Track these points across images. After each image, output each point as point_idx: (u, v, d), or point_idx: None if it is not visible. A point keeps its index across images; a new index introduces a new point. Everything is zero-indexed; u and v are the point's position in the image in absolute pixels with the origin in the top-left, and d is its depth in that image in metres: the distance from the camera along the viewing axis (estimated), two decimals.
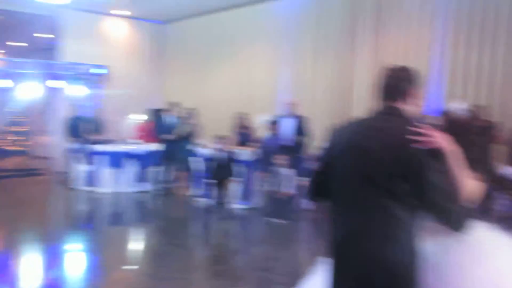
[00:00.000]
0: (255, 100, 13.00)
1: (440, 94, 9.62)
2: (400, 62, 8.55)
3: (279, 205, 7.57)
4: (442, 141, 2.11)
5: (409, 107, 2.27)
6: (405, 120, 2.21)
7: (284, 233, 6.88)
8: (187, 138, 9.61)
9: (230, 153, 7.83)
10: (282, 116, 8.32)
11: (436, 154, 2.10)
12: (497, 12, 8.82)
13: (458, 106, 2.44)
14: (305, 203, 8.44)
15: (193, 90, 14.93)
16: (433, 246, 2.28)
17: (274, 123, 8.13)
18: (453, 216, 2.12)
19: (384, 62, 10.31)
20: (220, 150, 7.82)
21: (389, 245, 2.11)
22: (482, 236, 2.33)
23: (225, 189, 7.85)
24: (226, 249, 6.17)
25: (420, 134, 2.08)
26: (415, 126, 2.11)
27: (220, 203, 7.78)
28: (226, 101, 13.77)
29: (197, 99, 14.64)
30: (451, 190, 2.12)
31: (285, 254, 5.99)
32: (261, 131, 8.49)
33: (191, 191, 9.90)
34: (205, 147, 9.34)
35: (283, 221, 7.46)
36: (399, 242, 2.12)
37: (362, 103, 10.66)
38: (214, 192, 8.09)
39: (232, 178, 7.91)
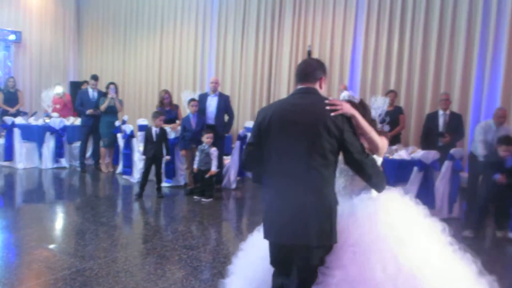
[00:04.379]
0: (180, 77, 12.91)
1: (357, 77, 10.07)
2: (318, 45, 8.90)
3: (203, 184, 7.61)
4: (349, 108, 2.76)
5: (322, 88, 2.91)
6: (320, 96, 2.85)
7: (208, 211, 6.95)
8: (109, 113, 9.35)
9: (162, 130, 7.73)
10: (206, 94, 8.31)
11: (347, 118, 2.74)
12: (415, 1, 9.31)
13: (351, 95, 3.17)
14: (229, 182, 8.57)
15: (114, 64, 14.50)
16: (347, 201, 2.98)
17: (198, 101, 8.10)
18: (370, 169, 2.76)
19: (305, 45, 10.72)
20: (152, 126, 7.68)
21: (317, 197, 2.69)
22: (390, 195, 3.00)
23: (155, 166, 7.75)
24: (151, 227, 6.14)
25: (333, 105, 2.72)
26: (328, 100, 2.77)
27: (146, 181, 7.67)
28: (150, 77, 13.54)
29: (119, 73, 14.27)
30: (363, 146, 2.78)
31: (210, 232, 6.08)
32: (186, 109, 8.43)
33: (115, 168, 9.71)
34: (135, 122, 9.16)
35: (208, 199, 7.53)
36: (324, 194, 2.71)
37: (284, 83, 10.92)
38: (142, 169, 7.96)
39: (163, 156, 7.80)
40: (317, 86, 2.88)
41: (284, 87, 10.93)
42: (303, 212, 2.68)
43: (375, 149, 2.91)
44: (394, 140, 8.05)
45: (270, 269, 3.01)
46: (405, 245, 2.80)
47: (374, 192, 2.99)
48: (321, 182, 2.70)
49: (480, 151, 6.90)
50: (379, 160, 3.03)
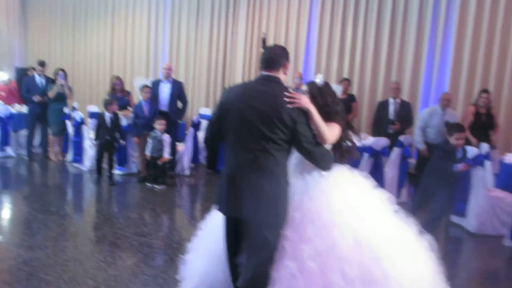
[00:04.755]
0: (133, 63, 12.68)
1: (311, 65, 10.18)
2: (273, 32, 8.89)
3: (156, 171, 7.52)
4: (307, 103, 2.97)
5: (282, 76, 3.06)
6: (281, 86, 3.00)
7: (161, 198, 6.88)
8: (58, 100, 9.06)
9: (116, 116, 7.57)
10: (159, 81, 8.17)
11: (303, 111, 2.93)
12: None
13: (319, 79, 3.30)
14: (183, 168, 8.51)
15: (63, 49, 14.09)
16: (300, 179, 3.22)
17: (151, 88, 7.97)
18: (319, 157, 3.03)
19: (260, 32, 10.72)
20: (105, 113, 7.52)
21: (269, 177, 2.92)
22: (339, 173, 3.25)
23: (107, 154, 7.61)
24: (102, 215, 6.02)
25: (292, 97, 2.90)
26: (288, 91, 2.93)
27: (101, 166, 7.53)
28: (102, 63, 13.23)
29: (68, 59, 13.87)
30: (315, 137, 3.00)
31: (163, 218, 6.03)
32: (138, 96, 8.29)
33: (65, 156, 9.45)
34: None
35: (161, 186, 7.45)
36: (275, 175, 2.94)
37: (238, 70, 10.91)
38: (95, 156, 7.79)
39: (117, 143, 7.66)
40: (280, 73, 3.06)
41: (238, 74, 10.92)
42: (254, 189, 2.91)
43: (322, 141, 3.10)
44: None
45: (220, 241, 3.32)
46: (359, 216, 3.08)
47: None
48: (273, 163, 2.92)
49: (417, 138, 7.33)
50: (328, 147, 3.25)
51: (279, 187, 2.97)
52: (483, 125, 6.97)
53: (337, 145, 3.35)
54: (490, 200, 5.88)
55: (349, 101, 8.49)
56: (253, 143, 2.93)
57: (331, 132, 3.16)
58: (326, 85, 3.37)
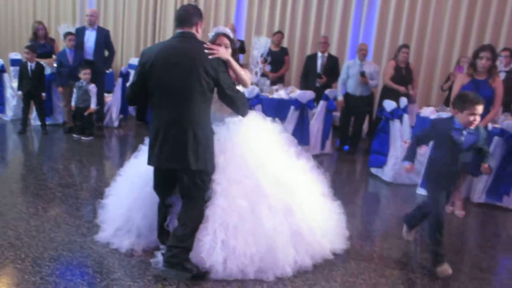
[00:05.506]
0: (58, 9, 12.05)
1: (243, 17, 10.14)
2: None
3: (83, 122, 7.37)
4: (224, 53, 3.25)
5: (199, 33, 3.27)
6: (198, 41, 3.22)
7: (88, 149, 6.80)
8: None
9: (39, 65, 7.28)
10: (84, 28, 7.83)
11: (222, 61, 3.19)
12: None
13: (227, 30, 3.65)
14: (111, 120, 8.38)
15: None
16: (221, 126, 3.53)
17: (75, 35, 7.67)
18: (239, 102, 3.32)
19: None
20: (27, 62, 7.22)
21: (196, 126, 3.13)
22: (253, 119, 3.68)
23: (34, 103, 7.38)
24: (25, 166, 5.89)
25: (210, 49, 3.14)
26: (206, 44, 3.18)
27: (26, 117, 7.31)
28: (24, 8, 12.48)
29: None
30: (234, 84, 3.31)
31: (89, 170, 5.98)
32: (62, 43, 7.97)
33: None
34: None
35: (88, 138, 7.34)
36: (201, 126, 3.17)
37: (169, 19, 10.68)
38: (16, 106, 7.52)
39: (42, 93, 7.43)
40: (193, 30, 3.23)
41: (169, 23, 10.68)
42: (182, 141, 3.12)
43: (244, 85, 3.49)
44: (279, 80, 8.33)
45: (145, 187, 3.60)
46: (274, 156, 3.62)
47: (239, 116, 3.59)
48: (199, 115, 3.15)
49: (338, 89, 7.68)
50: (245, 92, 3.79)
51: (206, 136, 3.22)
52: (402, 78, 7.30)
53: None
54: None
55: (282, 54, 8.59)
56: (178, 98, 3.11)
57: (246, 74, 3.49)
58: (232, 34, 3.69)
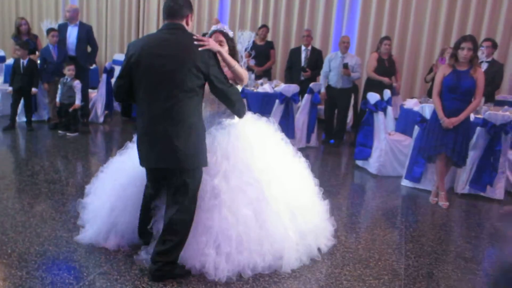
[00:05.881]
0: (40, 5, 11.91)
1: (226, 11, 10.12)
2: None
3: (68, 118, 7.34)
4: (215, 45, 3.05)
5: (189, 25, 3.10)
6: (187, 33, 3.04)
7: (74, 145, 6.77)
8: None
9: (31, 62, 7.25)
10: (66, 24, 7.76)
11: (213, 53, 3.01)
12: None
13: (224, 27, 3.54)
14: (96, 116, 8.35)
15: None
16: (220, 129, 3.42)
17: (58, 31, 7.62)
18: (234, 98, 3.12)
19: None
20: (20, 58, 7.21)
21: (183, 126, 2.95)
22: (251, 120, 3.63)
23: (24, 99, 7.36)
24: (10, 162, 5.86)
25: (200, 40, 2.96)
26: (195, 36, 3.00)
27: (15, 113, 7.29)
28: (6, 4, 12.32)
29: None
30: (227, 78, 3.09)
31: (75, 166, 5.97)
32: (46, 40, 7.91)
33: None
34: None
35: (73, 134, 7.31)
36: (190, 123, 2.97)
37: (153, 14, 10.64)
38: (4, 102, 7.49)
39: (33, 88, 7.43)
40: (183, 23, 3.05)
41: (153, 18, 10.65)
42: (170, 139, 2.95)
43: (239, 79, 3.28)
44: (265, 74, 8.36)
45: (129, 185, 3.50)
46: (276, 160, 3.55)
47: (236, 118, 3.45)
48: (187, 112, 2.95)
49: (320, 82, 7.75)
50: (240, 88, 3.43)
51: (197, 133, 3.03)
52: (385, 70, 7.36)
53: None
54: (390, 143, 6.28)
55: (268, 48, 8.62)
56: (165, 93, 2.93)
57: (244, 71, 3.31)
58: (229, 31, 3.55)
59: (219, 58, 3.10)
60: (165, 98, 2.93)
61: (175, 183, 3.07)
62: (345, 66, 7.42)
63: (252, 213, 3.27)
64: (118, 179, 3.60)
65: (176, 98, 2.92)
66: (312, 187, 3.84)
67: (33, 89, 7.46)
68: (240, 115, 3.33)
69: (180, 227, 3.10)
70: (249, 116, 3.61)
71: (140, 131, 3.08)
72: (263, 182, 3.35)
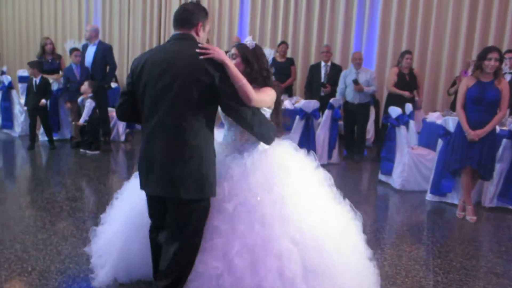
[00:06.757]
0: (64, 26, 12.18)
1: (245, 28, 10.18)
2: None
3: (88, 136, 7.41)
4: (221, 54, 2.54)
5: (200, 35, 2.70)
6: (194, 43, 2.61)
7: (95, 164, 6.82)
8: None
9: (44, 80, 7.36)
10: (88, 44, 7.87)
11: (220, 65, 2.52)
12: None
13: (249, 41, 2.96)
14: (118, 134, 8.41)
15: None
16: (238, 159, 2.87)
17: (81, 51, 7.75)
18: (252, 120, 2.64)
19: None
20: (33, 78, 7.32)
21: (184, 149, 2.53)
22: (282, 151, 2.97)
23: (40, 118, 7.45)
24: (33, 180, 5.91)
25: (204, 48, 2.51)
26: (200, 44, 2.56)
27: (34, 133, 7.37)
28: (31, 26, 12.62)
29: None
30: (236, 93, 2.57)
31: (96, 184, 5.99)
32: (69, 59, 8.04)
33: None
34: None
35: (95, 152, 7.37)
36: (193, 146, 2.55)
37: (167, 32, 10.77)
38: (24, 122, 7.60)
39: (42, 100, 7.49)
40: (193, 32, 2.66)
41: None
42: (169, 164, 2.56)
43: (246, 99, 2.59)
44: (286, 91, 8.34)
45: (142, 214, 2.99)
46: (304, 207, 2.82)
47: (263, 145, 2.92)
48: (190, 133, 2.54)
49: (337, 96, 7.70)
50: (267, 112, 2.91)
51: (201, 160, 2.58)
52: (406, 84, 7.25)
53: (275, 112, 3.00)
54: (414, 157, 6.17)
55: (288, 65, 8.62)
56: (167, 111, 2.55)
57: (265, 95, 2.80)
58: (258, 47, 2.97)
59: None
60: (166, 116, 2.55)
61: (175, 214, 2.67)
62: (355, 82, 7.38)
63: (247, 263, 2.68)
64: (134, 205, 3.17)
65: (176, 117, 2.53)
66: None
67: (42, 101, 7.43)
68: (266, 141, 2.84)
69: (180, 268, 2.70)
70: (285, 145, 3.02)
71: (140, 152, 2.72)
72: (276, 227, 2.72)
